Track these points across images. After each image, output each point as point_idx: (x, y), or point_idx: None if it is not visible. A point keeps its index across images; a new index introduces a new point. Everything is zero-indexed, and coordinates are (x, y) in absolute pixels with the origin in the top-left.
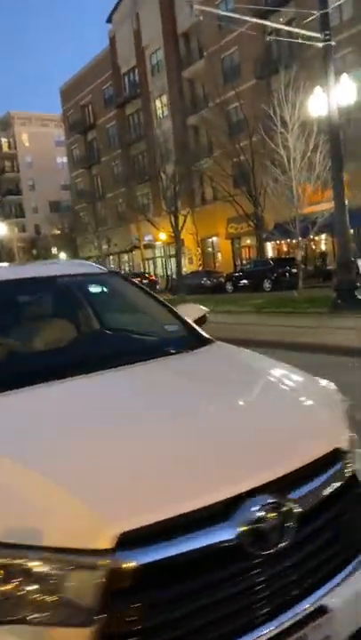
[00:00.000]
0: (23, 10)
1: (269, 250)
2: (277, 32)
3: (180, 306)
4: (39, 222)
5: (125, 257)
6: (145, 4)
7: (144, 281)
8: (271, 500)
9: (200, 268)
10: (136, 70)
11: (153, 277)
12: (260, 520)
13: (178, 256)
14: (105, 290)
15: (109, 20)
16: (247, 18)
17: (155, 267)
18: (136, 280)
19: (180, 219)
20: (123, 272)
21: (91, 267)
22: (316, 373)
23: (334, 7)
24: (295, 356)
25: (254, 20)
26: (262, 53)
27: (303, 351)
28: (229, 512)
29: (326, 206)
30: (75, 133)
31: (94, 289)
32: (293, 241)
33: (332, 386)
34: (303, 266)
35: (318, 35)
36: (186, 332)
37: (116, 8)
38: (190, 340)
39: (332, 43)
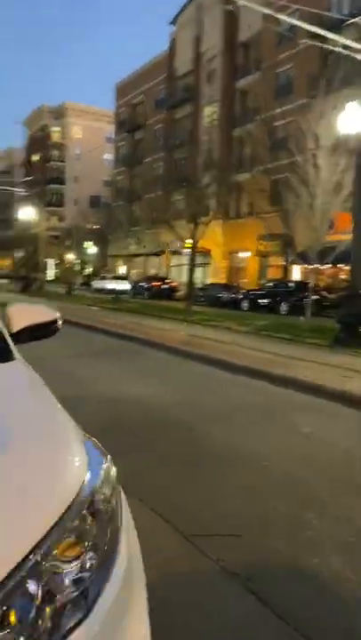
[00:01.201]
0: (94, 5)
1: (297, 273)
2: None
3: (14, 305)
4: (76, 214)
5: (154, 260)
6: (210, 10)
7: (164, 286)
8: None
9: (224, 281)
10: (191, 75)
11: (175, 283)
12: None
13: (192, 265)
14: None
15: (173, 22)
16: (294, 21)
17: (180, 273)
18: (157, 284)
19: (201, 228)
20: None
21: None
22: (262, 412)
23: None
24: (260, 386)
25: (303, 24)
26: (317, 73)
27: (275, 383)
28: None
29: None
30: (123, 131)
31: None
32: (311, 267)
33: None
34: (327, 294)
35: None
36: None
37: (181, 11)
38: None
39: None
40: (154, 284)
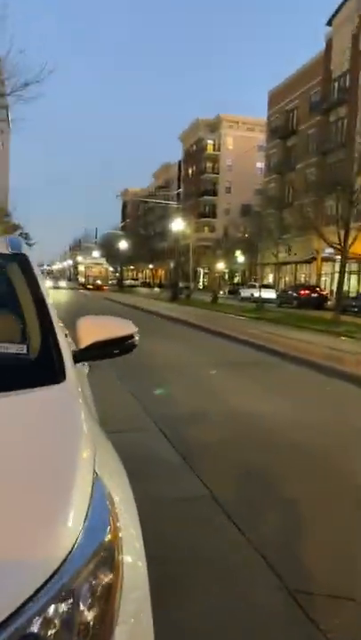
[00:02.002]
0: (263, 9)
1: None
2: None
3: (86, 318)
4: (227, 224)
5: (304, 268)
6: None
7: (313, 295)
8: None
9: None
10: (348, 76)
11: (325, 292)
12: None
13: (342, 272)
14: None
15: (329, 23)
16: None
17: (333, 282)
18: (305, 292)
19: (354, 233)
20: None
21: None
22: None
23: None
24: None
25: None
26: None
27: None
28: None
29: None
30: (275, 138)
31: None
32: None
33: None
34: None
35: None
36: (30, 359)
37: (338, 11)
38: (11, 375)
39: None
40: (302, 292)
